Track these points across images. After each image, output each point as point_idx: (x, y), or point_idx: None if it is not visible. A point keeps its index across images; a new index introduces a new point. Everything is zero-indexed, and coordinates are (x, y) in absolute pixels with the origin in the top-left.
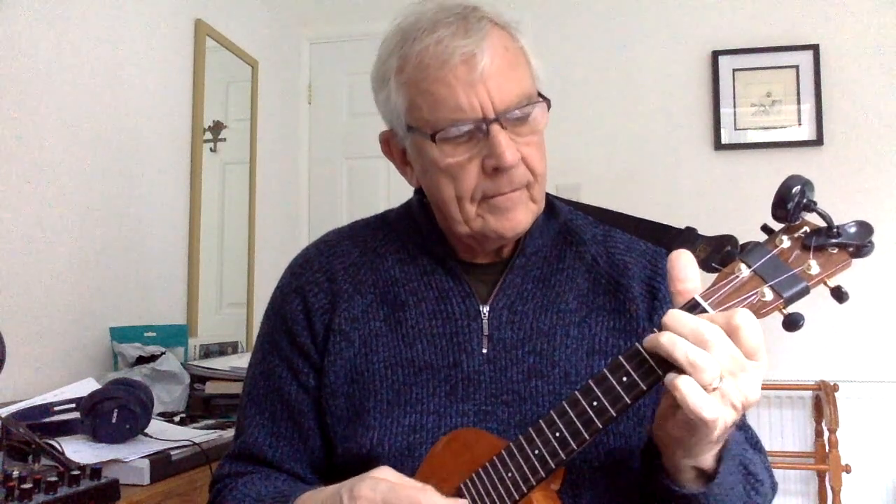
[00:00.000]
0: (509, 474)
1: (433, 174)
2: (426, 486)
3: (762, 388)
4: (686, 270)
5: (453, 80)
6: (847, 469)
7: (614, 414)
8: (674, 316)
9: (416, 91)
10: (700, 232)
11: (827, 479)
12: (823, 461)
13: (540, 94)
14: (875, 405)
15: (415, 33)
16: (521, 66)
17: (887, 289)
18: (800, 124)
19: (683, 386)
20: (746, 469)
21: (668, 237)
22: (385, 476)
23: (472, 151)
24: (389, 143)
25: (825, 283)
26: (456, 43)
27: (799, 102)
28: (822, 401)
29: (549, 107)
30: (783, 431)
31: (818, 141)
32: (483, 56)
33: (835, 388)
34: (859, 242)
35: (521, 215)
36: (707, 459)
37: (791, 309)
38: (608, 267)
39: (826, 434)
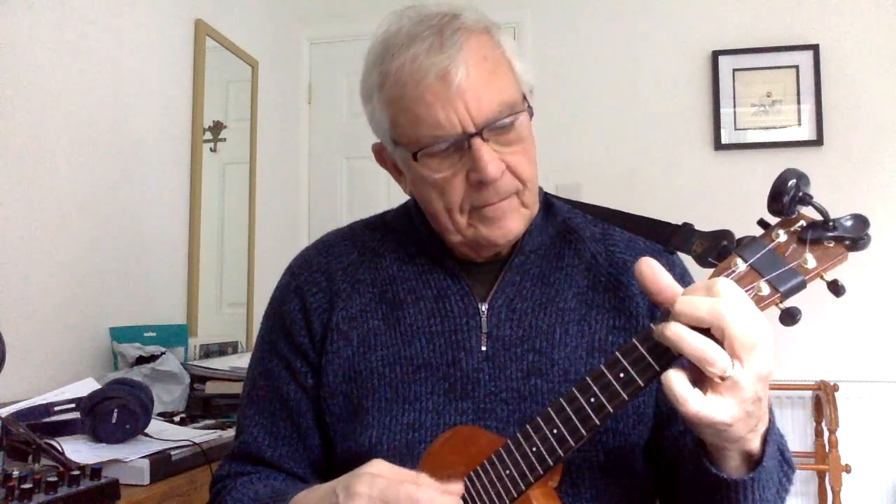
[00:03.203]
0: (507, 472)
1: (422, 188)
2: (419, 475)
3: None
4: (658, 283)
5: (430, 98)
6: (847, 469)
7: (612, 410)
8: (684, 302)
9: (396, 109)
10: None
11: (827, 479)
12: (823, 461)
13: (525, 99)
14: (875, 405)
15: (392, 49)
16: (501, 73)
17: (887, 289)
18: (800, 124)
19: (677, 386)
20: (782, 455)
21: (665, 233)
22: (379, 470)
23: (456, 166)
24: (382, 154)
25: (822, 277)
26: (431, 59)
27: (799, 102)
28: (822, 401)
29: (531, 115)
30: (783, 431)
31: (818, 141)
32: (458, 70)
33: (835, 388)
34: (855, 235)
35: (512, 223)
36: (754, 441)
37: (788, 303)
38: (608, 265)
39: (826, 434)
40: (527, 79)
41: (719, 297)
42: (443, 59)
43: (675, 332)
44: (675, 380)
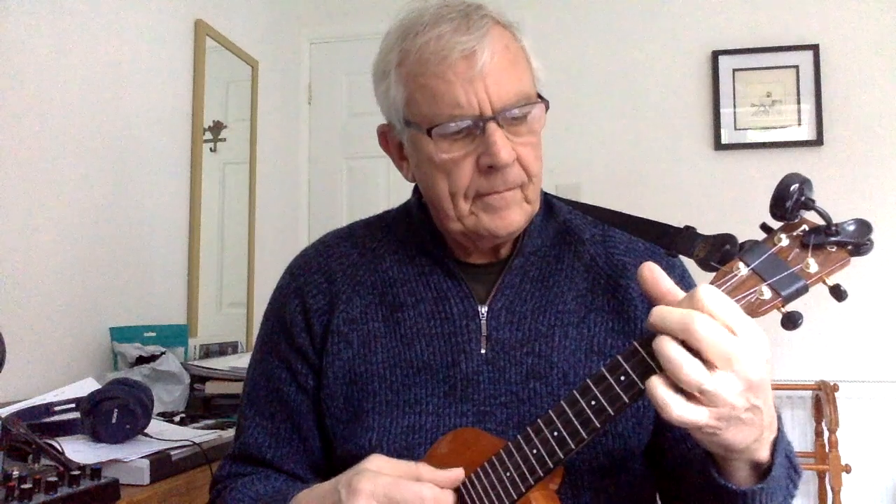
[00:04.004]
0: (508, 474)
1: (428, 169)
2: (420, 466)
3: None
4: (659, 287)
5: (452, 76)
6: (847, 469)
7: (612, 413)
8: (658, 312)
9: (415, 85)
10: (699, 231)
11: (827, 479)
12: (823, 461)
13: (539, 96)
14: (875, 405)
15: (416, 28)
16: (521, 65)
17: (887, 289)
18: (800, 124)
19: (658, 391)
20: (790, 462)
21: (667, 236)
22: (379, 466)
23: (468, 148)
24: (387, 137)
25: (824, 282)
26: (457, 39)
27: (799, 102)
28: (822, 401)
29: (547, 108)
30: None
31: (818, 141)
32: (483, 53)
33: (835, 388)
34: (858, 240)
35: (514, 215)
36: (762, 451)
37: (790, 307)
38: (607, 267)
39: (826, 434)
40: (541, 77)
41: (699, 306)
42: (469, 40)
43: (657, 345)
44: (656, 385)
